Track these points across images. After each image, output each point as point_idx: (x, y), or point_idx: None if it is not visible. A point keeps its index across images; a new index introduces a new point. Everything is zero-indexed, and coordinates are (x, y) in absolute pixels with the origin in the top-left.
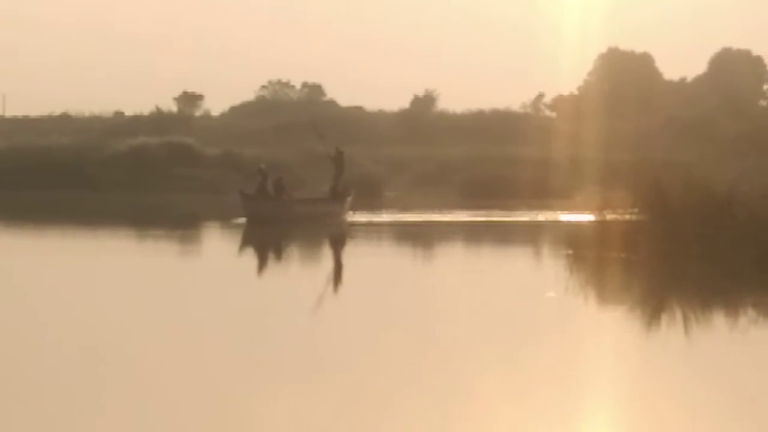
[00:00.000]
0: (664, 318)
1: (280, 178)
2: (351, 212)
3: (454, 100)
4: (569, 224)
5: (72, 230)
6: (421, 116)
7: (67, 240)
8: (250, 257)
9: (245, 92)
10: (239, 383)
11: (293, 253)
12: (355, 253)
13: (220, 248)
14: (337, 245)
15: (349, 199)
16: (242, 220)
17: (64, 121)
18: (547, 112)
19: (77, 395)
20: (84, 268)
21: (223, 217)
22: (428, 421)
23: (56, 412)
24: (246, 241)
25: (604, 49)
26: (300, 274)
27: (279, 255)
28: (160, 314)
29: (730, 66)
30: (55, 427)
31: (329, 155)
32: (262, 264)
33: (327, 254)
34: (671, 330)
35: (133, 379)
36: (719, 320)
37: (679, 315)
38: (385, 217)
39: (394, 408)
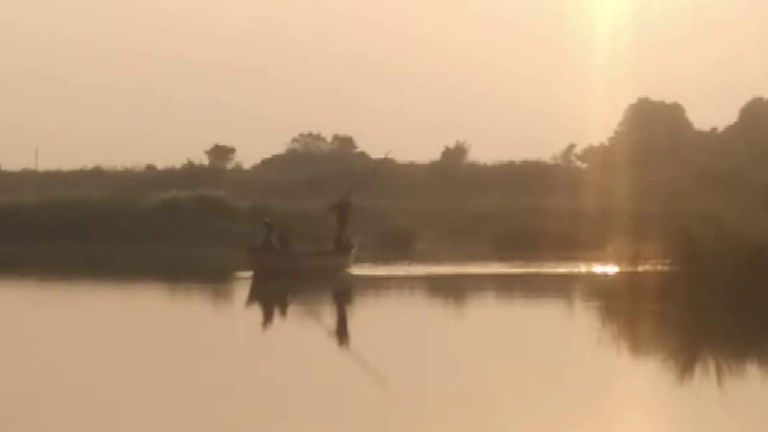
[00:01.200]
0: (697, 369)
1: (284, 230)
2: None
3: (484, 152)
4: (600, 276)
5: (102, 285)
6: (451, 168)
7: (98, 296)
8: (272, 319)
9: (276, 145)
10: None
11: (312, 313)
12: (385, 312)
13: (242, 307)
14: (355, 302)
15: (353, 251)
16: (249, 273)
17: (96, 174)
18: (578, 163)
19: None
20: (116, 330)
21: (233, 271)
22: None
23: None
24: (254, 298)
25: (634, 100)
26: (329, 337)
27: (297, 315)
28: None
29: (761, 116)
30: None
31: (332, 206)
32: (281, 326)
33: (356, 314)
34: (704, 382)
35: None
36: (752, 371)
37: (712, 366)
38: (411, 270)
39: None
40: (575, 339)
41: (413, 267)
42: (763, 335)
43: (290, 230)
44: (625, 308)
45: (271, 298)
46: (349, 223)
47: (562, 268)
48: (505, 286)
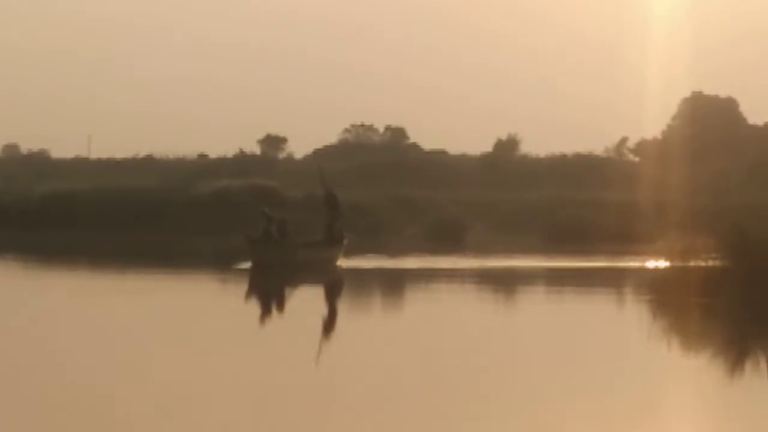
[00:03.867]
0: (748, 364)
1: (283, 221)
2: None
3: (536, 144)
4: (652, 269)
5: (142, 274)
6: (503, 160)
7: (132, 285)
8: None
9: (328, 135)
10: None
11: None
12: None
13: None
14: (345, 297)
15: (345, 243)
16: (247, 264)
17: (148, 163)
18: (631, 157)
19: None
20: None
21: (229, 262)
22: None
23: None
24: (252, 291)
25: (688, 94)
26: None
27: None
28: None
29: None
30: None
31: (322, 198)
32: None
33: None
34: (755, 377)
35: None
36: None
37: (762, 361)
38: (401, 263)
39: None
40: (626, 333)
41: (404, 260)
42: None
43: (288, 221)
44: (677, 302)
45: (266, 292)
46: (340, 215)
47: (613, 262)
48: (556, 279)
